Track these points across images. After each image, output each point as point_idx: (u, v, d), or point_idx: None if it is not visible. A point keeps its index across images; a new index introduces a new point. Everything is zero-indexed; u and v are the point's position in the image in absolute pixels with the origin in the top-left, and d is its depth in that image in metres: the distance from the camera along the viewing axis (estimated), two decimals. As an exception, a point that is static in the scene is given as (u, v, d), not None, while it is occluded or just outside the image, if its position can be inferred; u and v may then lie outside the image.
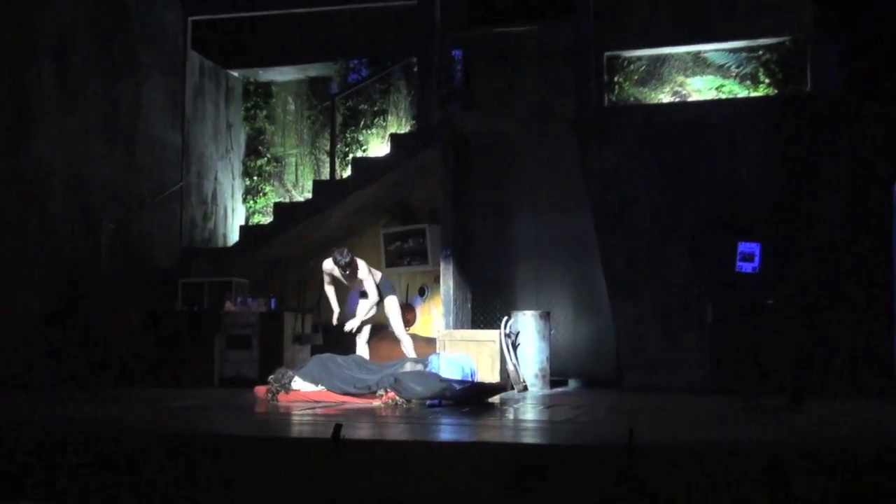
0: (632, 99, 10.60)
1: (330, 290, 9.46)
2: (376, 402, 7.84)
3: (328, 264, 9.25)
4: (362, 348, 9.37)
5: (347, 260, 9.04)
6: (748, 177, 9.45)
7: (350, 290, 9.68)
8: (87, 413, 6.87)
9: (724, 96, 10.25)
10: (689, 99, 10.40)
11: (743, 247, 8.91)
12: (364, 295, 9.34)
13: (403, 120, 12.15)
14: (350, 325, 9.23)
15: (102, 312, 9.91)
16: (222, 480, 4.97)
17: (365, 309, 9.25)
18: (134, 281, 10.55)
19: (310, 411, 7.26)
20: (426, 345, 10.00)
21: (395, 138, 11.29)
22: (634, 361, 9.76)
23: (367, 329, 9.45)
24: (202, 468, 5.02)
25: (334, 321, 9.40)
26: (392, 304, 9.42)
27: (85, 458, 5.16)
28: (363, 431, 5.76)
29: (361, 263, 9.23)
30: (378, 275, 9.41)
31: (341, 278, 9.26)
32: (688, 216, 9.59)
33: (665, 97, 10.49)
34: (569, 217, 10.89)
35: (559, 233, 11.04)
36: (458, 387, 7.78)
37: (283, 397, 8.15)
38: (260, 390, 8.49)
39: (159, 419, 6.63)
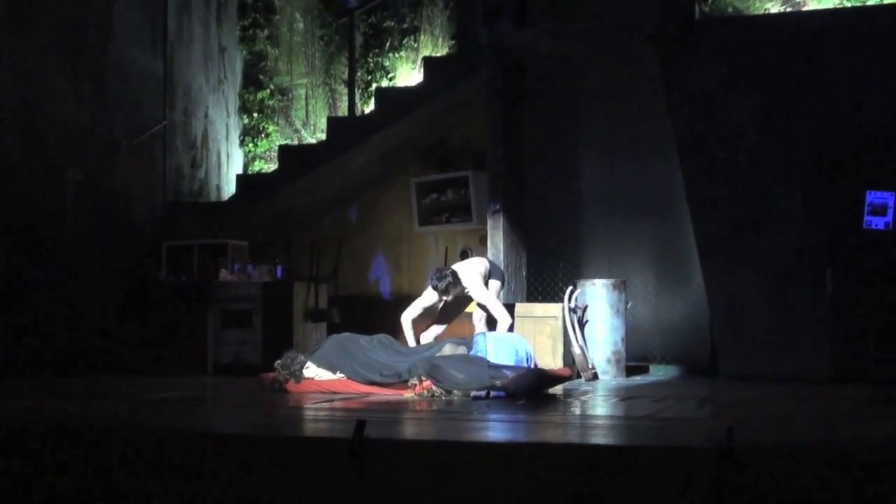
0: (730, 9, 10.44)
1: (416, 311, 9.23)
2: (408, 394, 7.90)
3: (430, 294, 9.14)
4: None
5: (448, 281, 8.92)
6: (879, 107, 9.29)
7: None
8: (49, 407, 6.97)
9: (848, 3, 10.07)
10: (804, 8, 10.23)
11: (872, 196, 8.79)
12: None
13: (440, 40, 12.08)
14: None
15: (69, 284, 10.03)
16: (217, 490, 5.02)
17: (499, 320, 9.00)
18: (107, 244, 10.65)
19: (326, 404, 7.33)
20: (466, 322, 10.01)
21: (429, 63, 11.25)
22: (733, 342, 9.71)
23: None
24: (191, 475, 5.07)
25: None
26: (492, 287, 9.34)
27: (39, 463, 5.22)
28: (392, 430, 5.78)
29: (462, 269, 9.16)
30: (481, 266, 9.30)
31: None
32: (801, 158, 9.48)
33: (773, 6, 10.33)
34: (649, 161, 10.81)
35: (637, 181, 10.96)
36: (510, 374, 7.80)
37: (292, 387, 8.25)
38: (265, 378, 8.58)
39: (138, 415, 6.69)
